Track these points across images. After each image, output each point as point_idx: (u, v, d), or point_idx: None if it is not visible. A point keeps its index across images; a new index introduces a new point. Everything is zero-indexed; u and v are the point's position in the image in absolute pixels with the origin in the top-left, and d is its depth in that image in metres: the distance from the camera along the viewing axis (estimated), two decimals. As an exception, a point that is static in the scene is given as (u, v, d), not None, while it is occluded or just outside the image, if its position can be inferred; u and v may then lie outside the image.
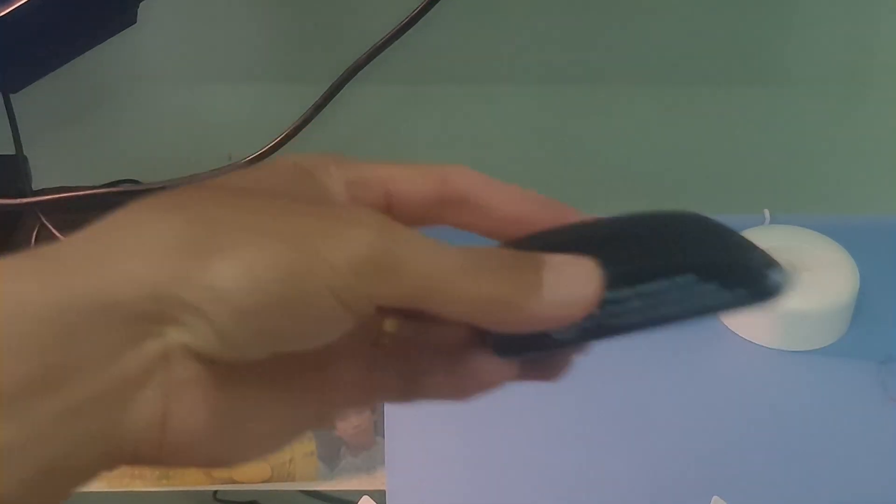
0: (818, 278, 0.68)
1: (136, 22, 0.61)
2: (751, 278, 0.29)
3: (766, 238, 0.71)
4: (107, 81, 0.83)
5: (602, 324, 0.29)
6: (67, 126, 0.85)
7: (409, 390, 0.31)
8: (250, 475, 0.62)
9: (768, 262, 0.29)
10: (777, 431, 0.63)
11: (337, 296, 0.25)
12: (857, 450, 0.62)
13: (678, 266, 0.29)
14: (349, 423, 0.64)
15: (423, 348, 0.31)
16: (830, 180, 0.92)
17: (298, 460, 0.63)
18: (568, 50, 0.84)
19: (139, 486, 0.62)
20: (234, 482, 0.62)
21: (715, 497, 0.58)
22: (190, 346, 0.25)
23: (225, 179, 0.29)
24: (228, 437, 0.27)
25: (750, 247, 0.30)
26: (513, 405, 0.64)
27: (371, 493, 0.60)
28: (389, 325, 0.32)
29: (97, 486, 0.63)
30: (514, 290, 0.27)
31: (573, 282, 0.28)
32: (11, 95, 0.63)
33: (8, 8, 0.55)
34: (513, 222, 0.31)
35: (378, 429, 0.64)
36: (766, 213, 0.77)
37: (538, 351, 0.29)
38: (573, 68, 0.85)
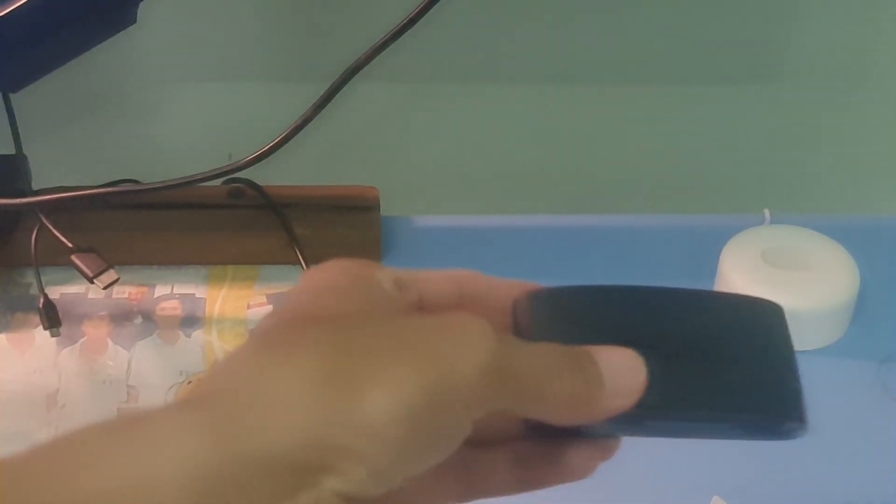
0: (818, 278, 0.68)
1: (136, 22, 0.61)
2: (773, 433, 0.32)
3: (766, 238, 0.71)
4: (107, 81, 0.83)
5: (633, 430, 0.31)
6: (67, 126, 0.85)
7: (468, 493, 0.32)
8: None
9: (796, 416, 0.31)
10: (777, 431, 0.63)
11: (467, 406, 0.26)
12: (858, 450, 0.62)
13: (718, 416, 0.31)
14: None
15: (478, 446, 0.32)
16: (830, 180, 0.92)
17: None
18: (568, 50, 0.84)
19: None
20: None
21: (715, 497, 0.58)
22: (344, 492, 0.25)
23: (299, 308, 0.29)
24: None
25: (790, 393, 0.31)
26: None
27: None
28: None
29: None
30: (586, 385, 0.28)
31: (625, 373, 0.29)
32: (11, 95, 0.63)
33: (8, 8, 0.55)
34: None
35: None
36: (766, 213, 0.77)
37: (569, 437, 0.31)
38: (573, 68, 0.85)
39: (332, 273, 0.30)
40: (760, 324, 0.32)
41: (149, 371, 0.67)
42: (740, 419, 0.31)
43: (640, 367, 0.29)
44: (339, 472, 0.24)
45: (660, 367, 0.30)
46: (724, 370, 0.31)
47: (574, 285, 0.32)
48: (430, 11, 0.59)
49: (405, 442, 0.25)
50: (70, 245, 0.65)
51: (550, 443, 0.31)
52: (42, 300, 0.67)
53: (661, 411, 0.30)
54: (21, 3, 0.55)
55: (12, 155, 0.67)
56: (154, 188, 0.66)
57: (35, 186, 0.70)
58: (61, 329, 0.67)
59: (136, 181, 0.73)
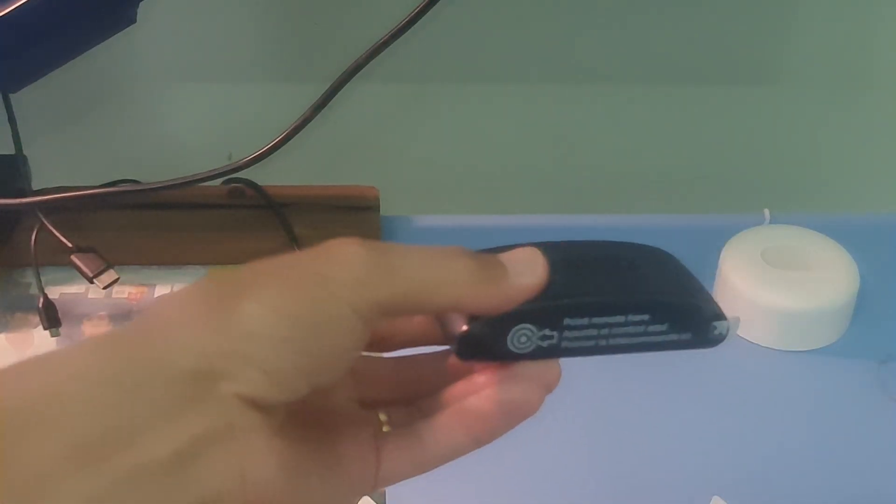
0: (818, 278, 0.68)
1: (135, 22, 0.61)
2: (698, 327, 0.33)
3: (766, 238, 0.71)
4: (107, 81, 0.83)
5: (558, 345, 0.32)
6: (67, 126, 0.85)
7: (424, 461, 0.34)
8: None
9: (717, 315, 0.33)
10: (777, 431, 0.63)
11: (352, 307, 0.28)
12: (857, 450, 0.62)
13: (635, 306, 0.32)
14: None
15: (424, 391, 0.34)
16: (830, 180, 0.92)
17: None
18: (568, 50, 0.84)
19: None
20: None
21: (715, 497, 0.58)
22: (245, 394, 0.27)
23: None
24: (301, 492, 0.29)
25: (704, 296, 0.33)
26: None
27: (371, 494, 0.60)
28: (383, 415, 0.34)
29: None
30: (484, 263, 0.30)
31: (523, 257, 0.31)
32: (11, 95, 0.63)
33: (8, 8, 0.55)
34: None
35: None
36: (766, 213, 0.77)
37: (499, 360, 0.32)
38: (573, 68, 0.85)
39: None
40: (658, 257, 0.34)
41: (149, 371, 0.67)
42: (662, 304, 0.32)
43: (538, 254, 0.31)
44: (233, 376, 0.27)
45: (577, 277, 0.31)
46: (641, 278, 0.33)
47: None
48: (430, 11, 0.59)
49: (290, 340, 0.27)
50: (70, 245, 0.65)
51: (488, 374, 0.32)
52: (42, 300, 0.67)
53: (582, 303, 0.31)
54: (21, 3, 0.55)
55: (12, 155, 0.67)
56: (154, 188, 0.66)
57: (35, 186, 0.70)
58: (61, 329, 0.67)
59: (136, 181, 0.73)
